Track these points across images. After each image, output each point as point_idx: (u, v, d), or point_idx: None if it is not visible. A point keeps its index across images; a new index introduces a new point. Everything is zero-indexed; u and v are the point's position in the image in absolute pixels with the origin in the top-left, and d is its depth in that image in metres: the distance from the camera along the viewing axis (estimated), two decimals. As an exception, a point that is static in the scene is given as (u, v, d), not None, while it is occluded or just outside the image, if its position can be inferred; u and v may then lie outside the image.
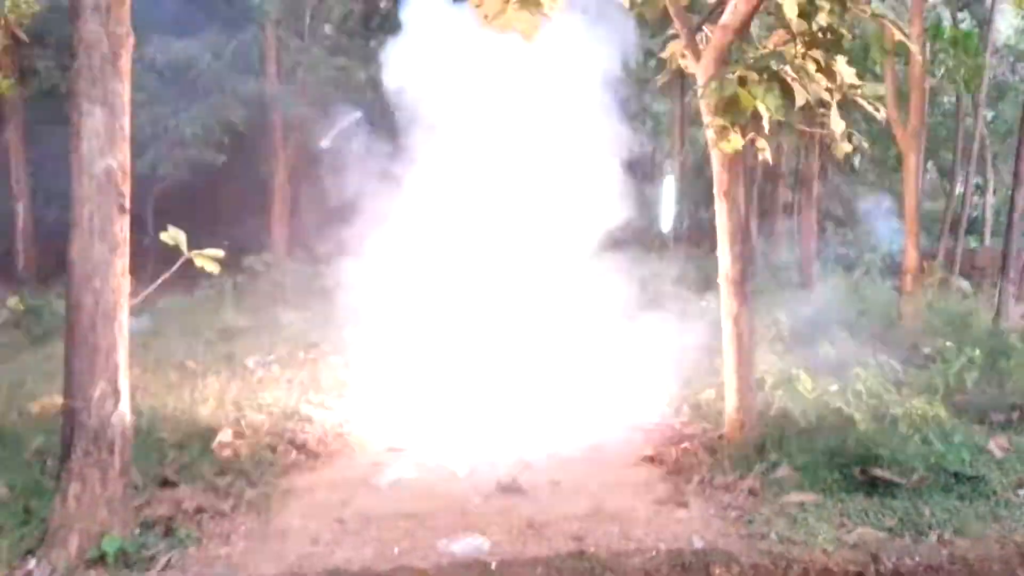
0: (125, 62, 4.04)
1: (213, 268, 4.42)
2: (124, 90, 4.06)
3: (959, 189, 18.91)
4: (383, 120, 23.19)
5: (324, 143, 19.19)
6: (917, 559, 3.91)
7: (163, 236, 4.42)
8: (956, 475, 5.16)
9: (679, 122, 20.61)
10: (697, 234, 20.29)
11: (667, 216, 20.42)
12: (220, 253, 4.49)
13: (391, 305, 12.14)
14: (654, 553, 3.59)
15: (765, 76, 5.45)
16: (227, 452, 5.87)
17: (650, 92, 21.21)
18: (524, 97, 15.48)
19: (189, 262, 4.52)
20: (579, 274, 14.88)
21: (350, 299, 12.72)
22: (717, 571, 3.51)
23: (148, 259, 8.69)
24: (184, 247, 4.37)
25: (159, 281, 4.56)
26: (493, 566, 3.44)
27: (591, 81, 15.10)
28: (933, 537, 4.26)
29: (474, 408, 7.65)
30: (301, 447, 6.10)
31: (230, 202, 21.21)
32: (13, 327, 10.70)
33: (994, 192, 23.24)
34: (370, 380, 8.18)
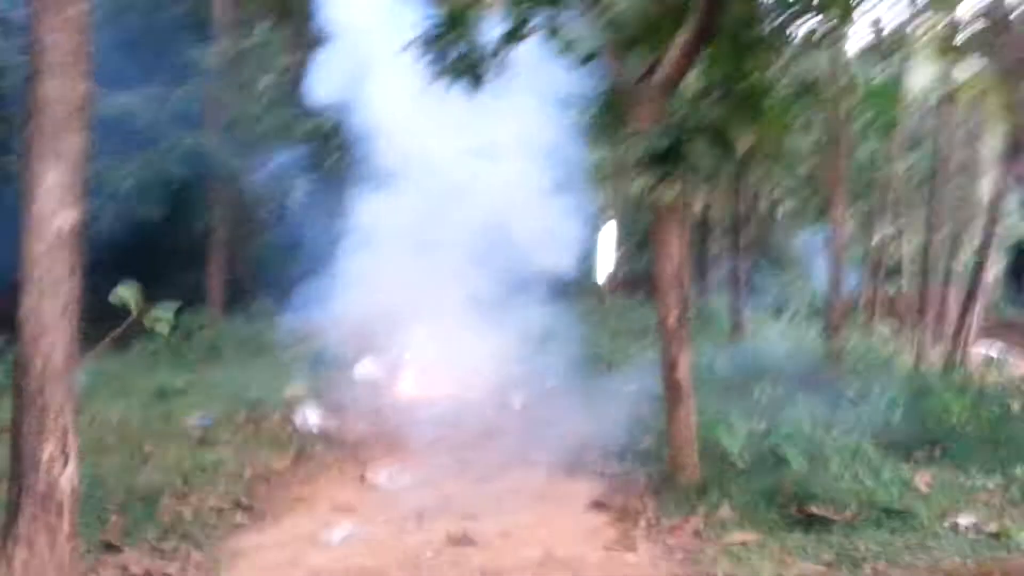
0: (85, 117, 4.07)
1: (163, 329, 4.43)
2: (81, 144, 4.07)
3: (876, 237, 19.91)
4: (328, 170, 23.28)
5: (261, 195, 19.13)
6: (854, 590, 4.11)
7: (112, 297, 4.41)
8: (886, 510, 5.43)
9: (615, 171, 21.22)
10: (632, 282, 20.82)
11: (604, 265, 20.86)
12: (170, 316, 4.50)
13: (329, 358, 12.13)
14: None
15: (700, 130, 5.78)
16: (170, 515, 5.77)
17: (587, 140, 21.86)
18: (463, 144, 15.81)
19: (115, 320, 4.46)
20: (517, 325, 15.09)
21: (287, 355, 12.67)
22: (668, 610, 3.63)
23: (81, 314, 8.54)
24: (134, 307, 4.37)
25: (108, 339, 4.54)
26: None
27: (526, 128, 15.55)
28: (868, 569, 4.49)
29: (419, 462, 7.69)
30: (247, 509, 6.04)
31: (166, 257, 20.82)
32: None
33: (909, 240, 24.49)
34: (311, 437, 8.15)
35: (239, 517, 5.87)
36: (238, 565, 4.97)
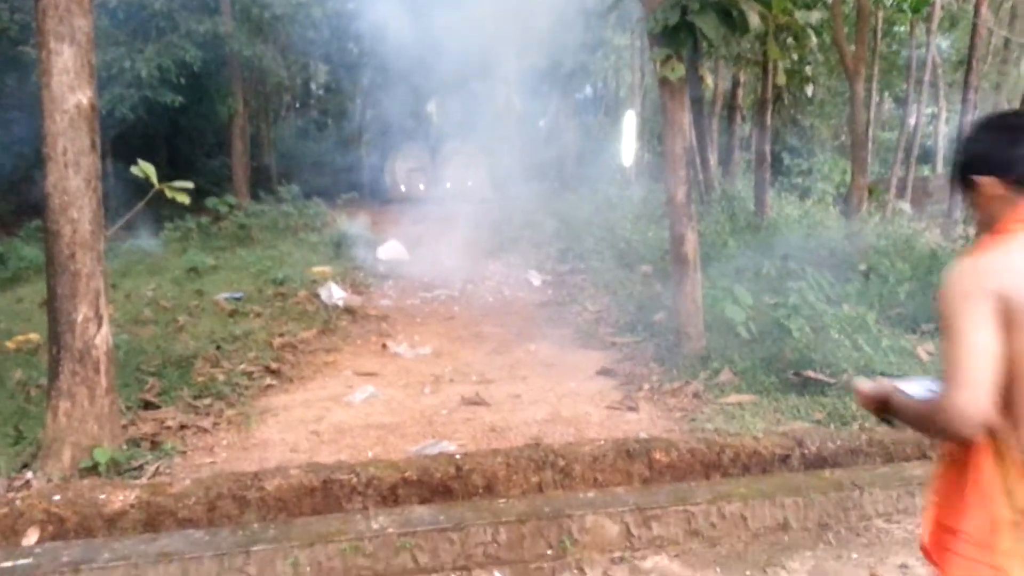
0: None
1: (184, 199, 4.63)
2: (89, 26, 4.21)
3: (912, 119, 19.36)
4: (342, 56, 22.93)
5: (283, 81, 18.98)
6: (839, 443, 4.35)
7: (133, 169, 4.61)
8: (882, 375, 5.63)
9: (639, 55, 20.74)
10: (657, 167, 20.62)
11: (628, 150, 20.67)
12: (190, 185, 4.70)
13: (354, 239, 12.40)
14: (601, 442, 3.99)
15: (705, 6, 5.70)
16: (204, 378, 6.17)
17: (611, 26, 21.28)
18: (485, 35, 15.51)
19: (152, 203, 4.71)
20: (539, 208, 15.18)
21: (313, 237, 12.96)
22: (657, 455, 3.91)
23: (109, 201, 8.81)
24: (155, 179, 4.57)
25: (135, 211, 4.78)
26: (459, 457, 3.81)
27: (550, 14, 15.14)
28: (855, 426, 4.73)
29: (437, 335, 8.02)
30: (275, 372, 6.43)
31: (190, 144, 21.02)
32: (-19, 272, 10.81)
33: (946, 121, 23.81)
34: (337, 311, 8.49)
35: (268, 380, 6.25)
36: (267, 420, 5.35)
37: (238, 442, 4.95)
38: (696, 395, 5.50)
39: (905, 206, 14.04)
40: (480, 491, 3.63)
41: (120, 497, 3.36)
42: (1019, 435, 1.66)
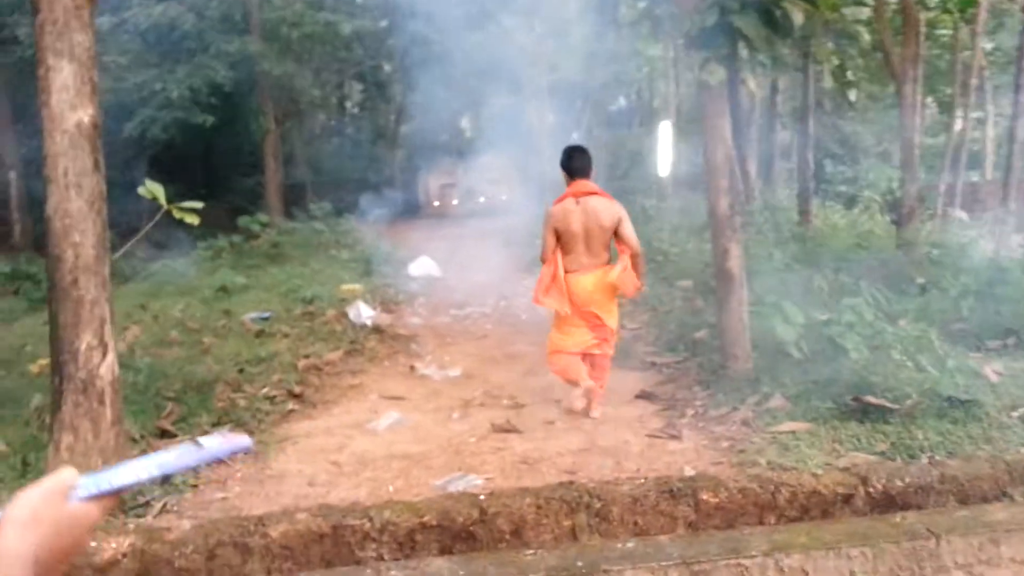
0: (89, 14, 3.96)
1: (192, 219, 4.38)
2: (90, 42, 3.99)
3: (959, 123, 18.65)
4: (375, 74, 22.88)
5: (314, 100, 18.96)
6: (907, 480, 3.91)
7: (140, 190, 4.37)
8: (950, 399, 5.16)
9: (672, 65, 20.34)
10: (694, 178, 20.16)
11: (664, 161, 20.24)
12: (199, 205, 4.45)
13: (385, 257, 12.18)
14: (642, 480, 3.61)
15: (746, 5, 5.34)
16: (224, 404, 5.92)
17: (644, 36, 20.95)
18: (517, 48, 15.26)
19: (187, 223, 4.47)
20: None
21: (344, 254, 12.77)
22: (704, 496, 3.52)
23: (141, 222, 8.71)
24: (163, 199, 4.33)
25: (139, 235, 4.54)
26: (483, 497, 3.46)
27: (582, 25, 14.85)
28: (924, 459, 4.27)
29: (468, 355, 7.70)
30: (298, 397, 6.16)
31: (223, 164, 21.13)
32: (12, 293, 10.77)
33: (994, 125, 22.93)
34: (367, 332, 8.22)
35: (290, 405, 5.98)
36: (286, 449, 5.07)
37: (254, 474, 4.66)
38: (745, 423, 5.08)
39: (962, 214, 13.40)
40: (507, 537, 3.28)
41: (112, 545, 3.08)
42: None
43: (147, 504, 4.03)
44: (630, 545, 3.19)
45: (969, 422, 4.85)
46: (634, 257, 5.47)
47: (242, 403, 5.91)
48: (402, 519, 3.25)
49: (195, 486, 4.39)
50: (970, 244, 10.68)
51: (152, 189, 4.31)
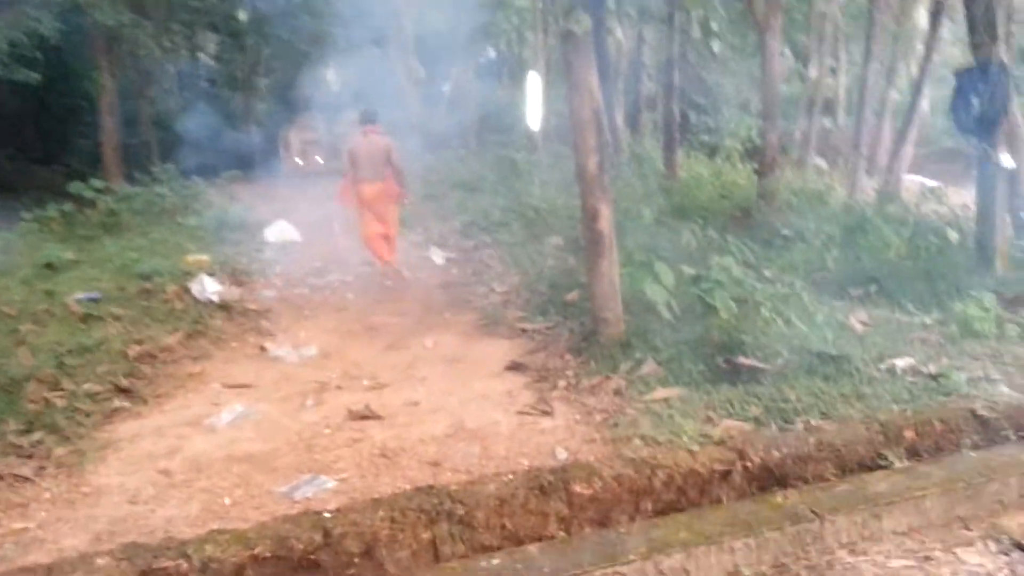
0: None
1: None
2: None
3: (814, 71, 19.23)
4: (229, 25, 21.21)
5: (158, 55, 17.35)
6: (785, 450, 3.73)
7: None
8: (819, 355, 5.08)
9: (541, 16, 19.89)
10: (564, 131, 19.93)
11: (534, 114, 19.87)
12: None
13: (237, 222, 11.27)
14: (509, 477, 3.24)
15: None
16: (37, 405, 5.13)
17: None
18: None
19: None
20: (443, 178, 14.29)
21: (191, 221, 11.71)
22: (577, 488, 3.19)
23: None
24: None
25: None
26: (327, 515, 2.99)
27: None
28: (799, 424, 4.12)
29: (326, 330, 7.12)
30: (126, 392, 5.43)
31: (62, 124, 19.06)
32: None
33: (846, 73, 23.88)
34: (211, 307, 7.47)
35: (116, 402, 5.25)
36: (107, 458, 4.40)
37: (64, 493, 3.99)
38: (618, 392, 4.81)
39: (819, 160, 13.77)
40: (356, 560, 2.83)
41: None
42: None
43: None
44: (496, 562, 2.81)
45: (840, 378, 4.77)
46: (397, 174, 8.52)
47: (59, 403, 5.12)
48: (228, 554, 2.72)
49: (-14, 514, 3.69)
50: (827, 192, 10.94)
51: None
